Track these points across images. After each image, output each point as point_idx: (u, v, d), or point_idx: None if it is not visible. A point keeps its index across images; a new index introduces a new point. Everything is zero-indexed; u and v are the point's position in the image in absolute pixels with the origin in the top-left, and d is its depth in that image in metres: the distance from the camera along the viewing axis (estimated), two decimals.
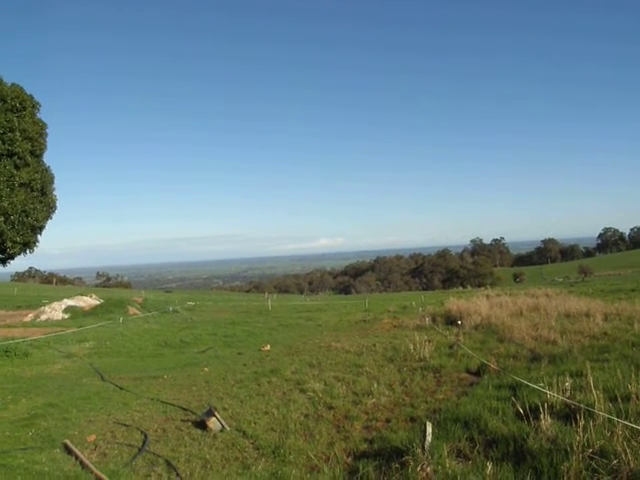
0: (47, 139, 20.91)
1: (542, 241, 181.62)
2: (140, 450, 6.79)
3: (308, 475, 6.01)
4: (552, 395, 7.21)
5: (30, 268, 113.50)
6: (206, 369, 12.63)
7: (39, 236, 20.80)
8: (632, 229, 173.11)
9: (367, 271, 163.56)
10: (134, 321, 24.27)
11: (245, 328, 22.79)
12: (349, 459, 6.52)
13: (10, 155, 18.62)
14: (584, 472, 4.94)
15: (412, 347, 13.09)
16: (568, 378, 7.97)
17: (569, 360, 10.28)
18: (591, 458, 5.10)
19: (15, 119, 18.64)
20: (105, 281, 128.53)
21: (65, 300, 29.25)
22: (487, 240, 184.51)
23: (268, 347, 16.05)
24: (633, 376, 7.46)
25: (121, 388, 10.55)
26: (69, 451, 6.67)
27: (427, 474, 5.32)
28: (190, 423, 7.96)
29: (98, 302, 30.31)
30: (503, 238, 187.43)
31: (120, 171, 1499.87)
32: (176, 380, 11.42)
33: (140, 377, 11.83)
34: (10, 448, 6.77)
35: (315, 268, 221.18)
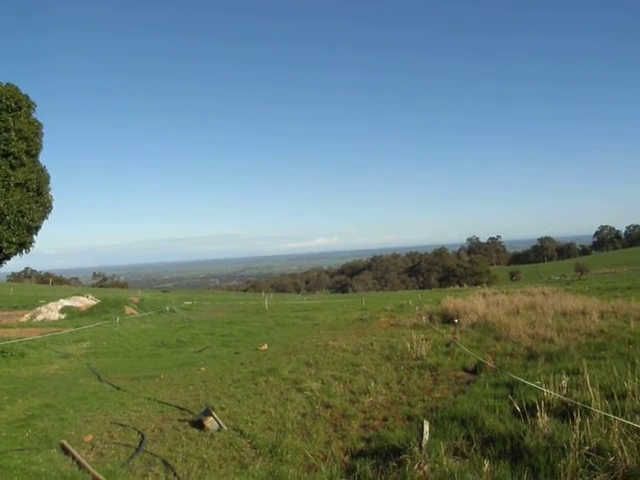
0: (43, 139, 20.90)
1: (539, 239, 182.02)
2: (137, 450, 6.77)
3: (305, 474, 6.01)
4: (549, 393, 7.23)
5: (26, 268, 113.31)
6: (203, 369, 12.60)
7: (35, 236, 20.77)
8: (628, 227, 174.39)
9: (364, 270, 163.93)
10: (131, 321, 24.23)
11: (242, 327, 22.77)
12: (346, 458, 6.52)
13: (6, 155, 18.57)
14: (581, 469, 4.97)
15: (409, 346, 13.10)
16: (565, 376, 8.02)
17: (566, 358, 10.32)
18: (588, 455, 5.12)
19: (10, 119, 18.59)
20: (101, 281, 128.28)
21: (61, 300, 29.18)
22: (484, 239, 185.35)
23: (265, 346, 16.03)
24: (629, 373, 7.49)
25: (118, 388, 10.51)
26: (66, 451, 6.64)
27: (424, 472, 5.32)
28: (187, 423, 7.94)
29: (95, 302, 30.25)
30: (500, 236, 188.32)
31: (120, 171, 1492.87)
32: (173, 380, 11.38)
33: (137, 377, 11.80)
34: (7, 449, 6.74)
35: (312, 267, 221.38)
